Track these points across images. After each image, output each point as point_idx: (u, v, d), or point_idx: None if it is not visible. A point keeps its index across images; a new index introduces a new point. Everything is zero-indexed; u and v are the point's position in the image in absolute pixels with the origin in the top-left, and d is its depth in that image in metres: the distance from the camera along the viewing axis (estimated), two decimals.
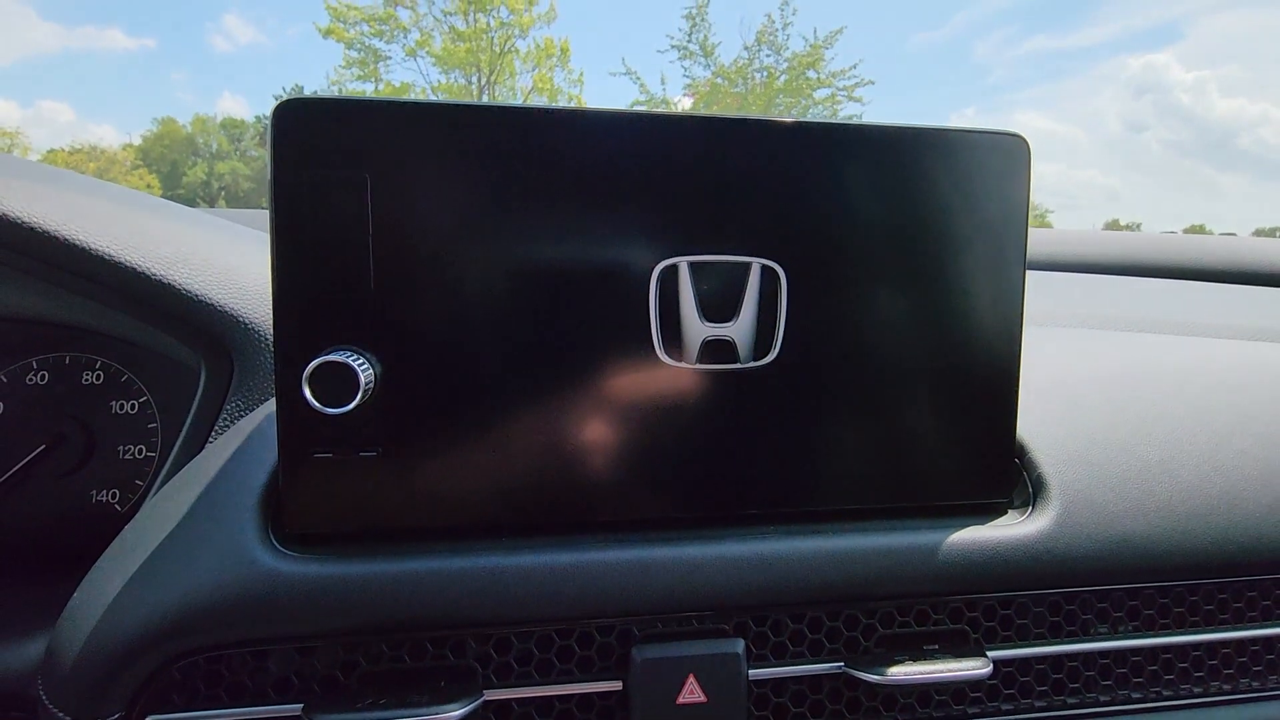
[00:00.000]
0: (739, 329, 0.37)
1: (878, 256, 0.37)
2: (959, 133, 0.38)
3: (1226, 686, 0.43)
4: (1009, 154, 0.39)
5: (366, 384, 0.33)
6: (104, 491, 0.54)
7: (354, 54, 12.92)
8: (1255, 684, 0.43)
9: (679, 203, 0.35)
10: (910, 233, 0.38)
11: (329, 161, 0.33)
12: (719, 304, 0.36)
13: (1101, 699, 0.41)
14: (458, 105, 0.34)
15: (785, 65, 13.27)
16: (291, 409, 0.34)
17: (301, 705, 0.33)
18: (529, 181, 0.34)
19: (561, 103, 0.35)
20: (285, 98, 0.32)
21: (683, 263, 0.36)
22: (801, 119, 0.37)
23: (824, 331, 0.37)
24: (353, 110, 0.33)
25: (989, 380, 0.39)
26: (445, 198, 0.34)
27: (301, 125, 0.32)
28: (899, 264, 0.38)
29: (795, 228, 0.36)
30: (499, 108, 0.34)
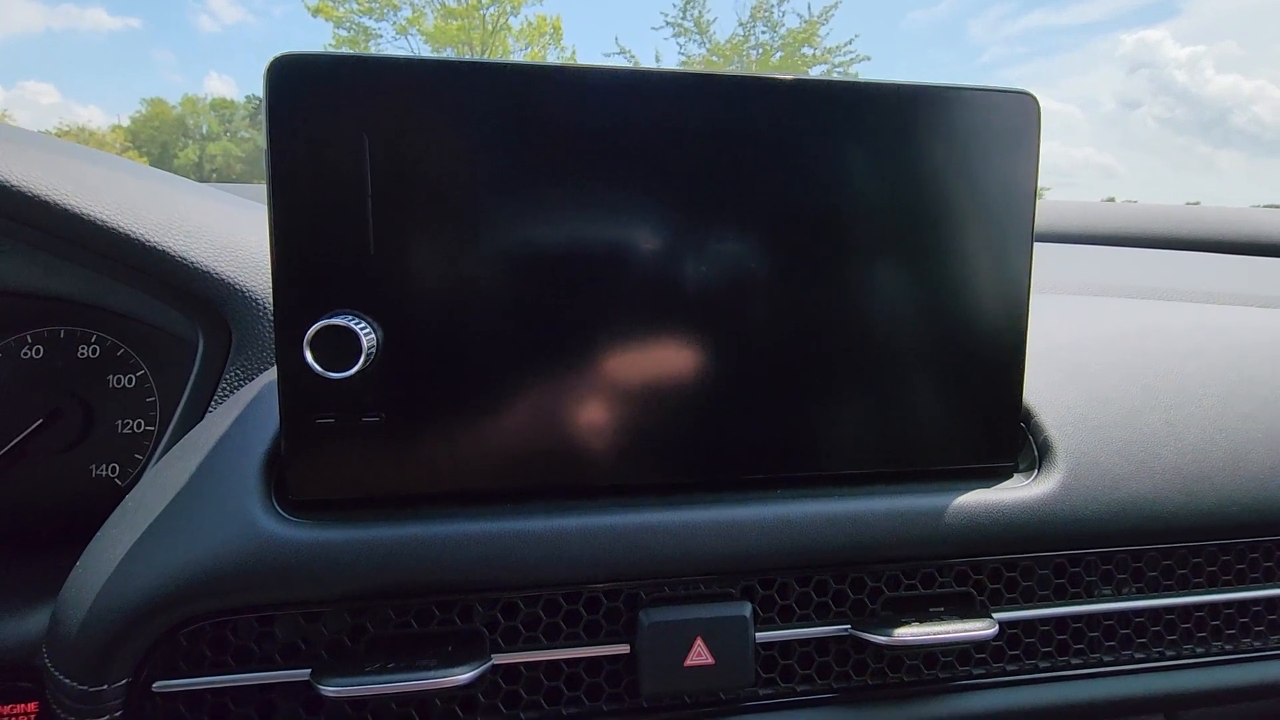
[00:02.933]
0: (743, 294, 0.36)
1: (883, 219, 0.37)
2: (966, 91, 0.37)
3: (1229, 647, 0.43)
4: (1018, 113, 0.38)
5: (369, 348, 0.32)
6: (104, 466, 0.54)
7: (344, 33, 12.72)
8: (1257, 644, 0.44)
9: (683, 164, 0.35)
10: (916, 194, 0.37)
11: (326, 121, 0.32)
12: (723, 269, 0.36)
13: (1105, 660, 0.41)
14: (459, 63, 0.33)
15: (780, 42, 13.13)
16: (293, 374, 0.33)
17: (309, 670, 0.33)
18: (531, 141, 0.33)
19: None
20: (281, 54, 0.31)
21: (687, 226, 0.35)
22: (804, 76, 0.36)
23: (828, 296, 0.37)
24: (350, 68, 0.32)
25: (996, 344, 0.39)
26: (445, 158, 0.33)
27: (297, 83, 0.32)
28: (904, 227, 0.37)
29: (798, 191, 0.36)
30: (500, 65, 0.33)
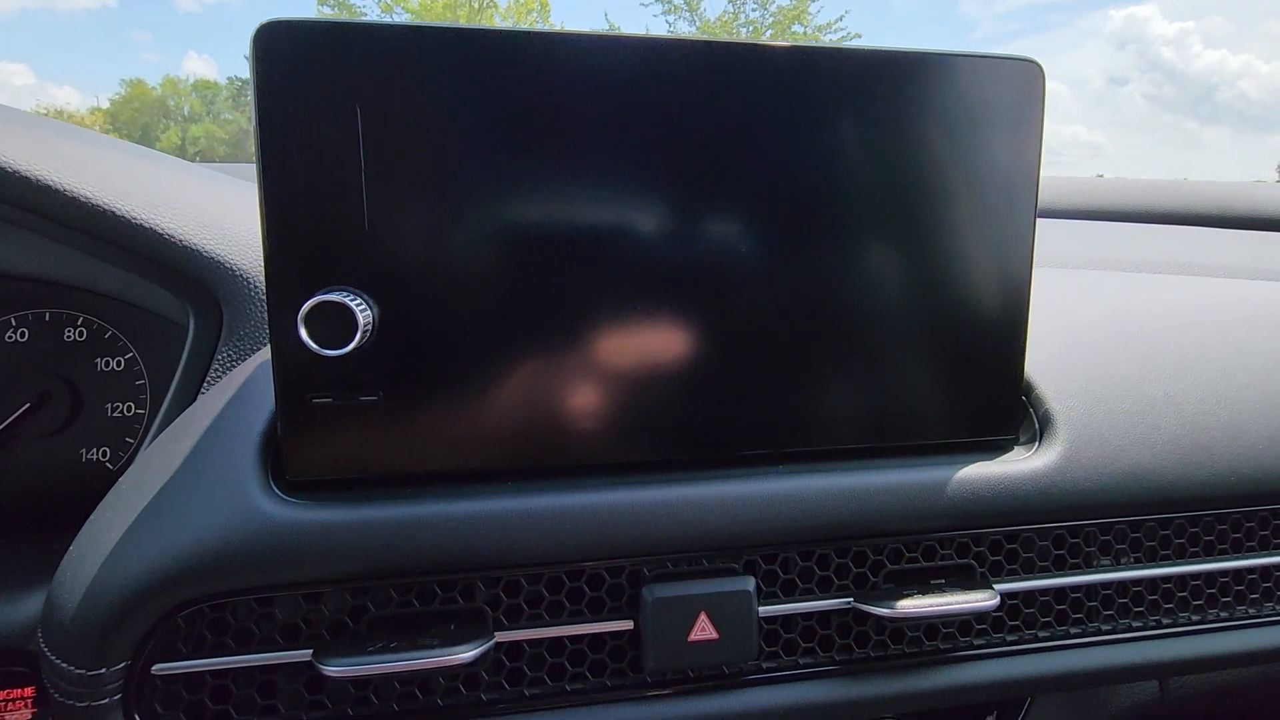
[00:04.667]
0: (742, 269, 0.36)
1: (882, 191, 0.36)
2: (968, 58, 0.37)
3: (1224, 614, 0.44)
4: (1022, 81, 0.37)
5: (365, 325, 0.31)
6: (94, 450, 0.53)
7: (327, 10, 12.50)
8: (1251, 611, 0.44)
9: (683, 136, 0.34)
10: (916, 165, 0.36)
11: (317, 89, 0.31)
12: (722, 244, 0.35)
13: (1103, 629, 0.42)
14: (454, 29, 0.32)
15: (771, 19, 13.01)
16: (287, 352, 0.32)
17: (311, 651, 0.33)
18: (529, 110, 0.32)
19: None
20: (268, 20, 0.30)
21: (686, 200, 0.34)
22: (802, 44, 0.35)
23: (827, 270, 0.36)
24: (342, 34, 0.31)
25: (997, 317, 0.39)
26: (440, 128, 0.32)
27: (286, 50, 0.31)
28: (904, 199, 0.37)
29: (795, 163, 0.35)
30: (497, 32, 0.32)
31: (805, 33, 12.78)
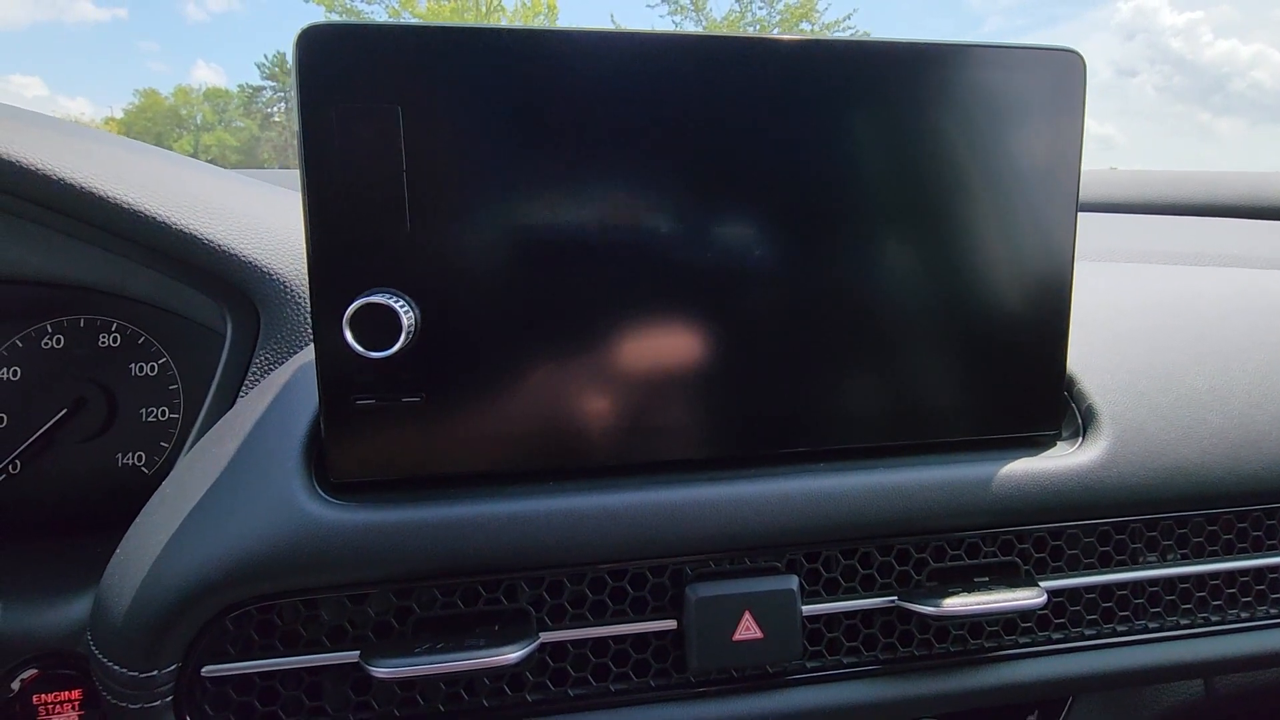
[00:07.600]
0: (781, 267, 0.35)
1: (922, 188, 0.36)
2: (1007, 49, 0.36)
3: (1274, 611, 0.43)
4: (1063, 72, 0.37)
5: (409, 327, 0.31)
6: (130, 455, 0.54)
7: (335, 17, 12.60)
8: None
9: (727, 134, 0.34)
10: (957, 161, 0.36)
11: (358, 92, 0.31)
12: (765, 243, 0.35)
13: (1150, 626, 0.41)
14: (492, 30, 0.32)
15: (778, 18, 12.99)
16: (332, 355, 0.32)
17: (358, 652, 0.33)
18: (570, 109, 0.32)
19: None
20: (310, 24, 0.30)
21: (731, 198, 0.34)
22: (836, 38, 0.35)
23: (868, 267, 0.36)
24: (381, 36, 0.31)
25: (1039, 313, 0.38)
26: (481, 128, 0.32)
27: (327, 54, 0.31)
28: (944, 195, 0.36)
29: (837, 161, 0.35)
30: (536, 31, 0.32)
31: (813, 30, 12.74)
